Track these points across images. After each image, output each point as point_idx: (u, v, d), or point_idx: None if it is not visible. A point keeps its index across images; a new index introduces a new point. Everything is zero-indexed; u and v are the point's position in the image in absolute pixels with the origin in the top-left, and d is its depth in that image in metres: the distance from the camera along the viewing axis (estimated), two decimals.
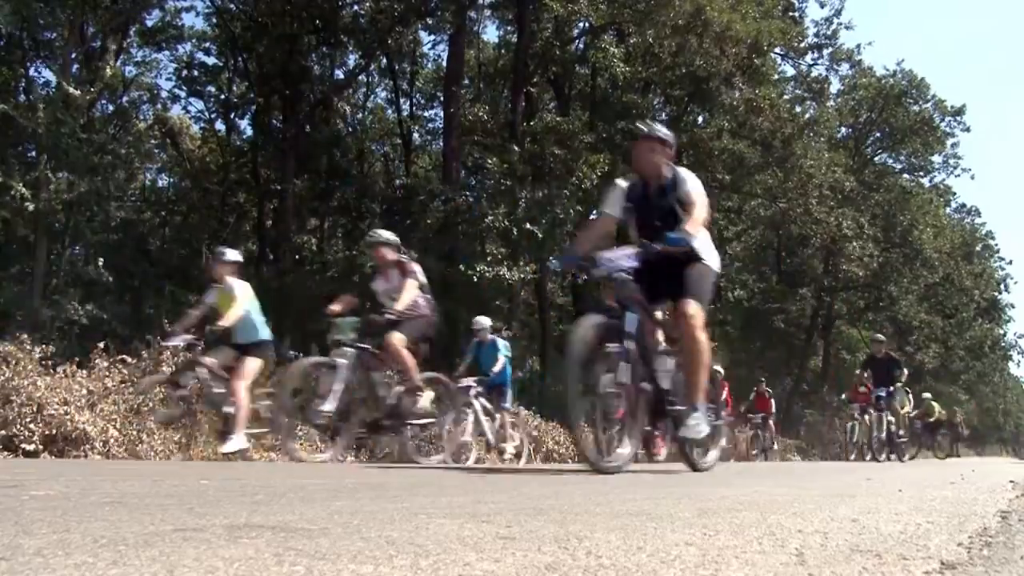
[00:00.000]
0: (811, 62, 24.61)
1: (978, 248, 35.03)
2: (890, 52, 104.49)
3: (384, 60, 20.76)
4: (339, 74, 20.06)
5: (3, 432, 5.28)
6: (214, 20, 19.54)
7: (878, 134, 28.45)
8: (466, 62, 18.87)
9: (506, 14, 19.75)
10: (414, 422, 5.91)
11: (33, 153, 14.31)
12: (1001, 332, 37.45)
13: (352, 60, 20.18)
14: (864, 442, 11.48)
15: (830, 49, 24.84)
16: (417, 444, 6.63)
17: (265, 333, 6.12)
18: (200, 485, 2.36)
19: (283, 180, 17.34)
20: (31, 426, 5.40)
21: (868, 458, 10.97)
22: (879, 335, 13.21)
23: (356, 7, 18.12)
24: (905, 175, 29.14)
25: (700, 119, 21.78)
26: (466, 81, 19.47)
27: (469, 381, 7.96)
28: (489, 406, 8.16)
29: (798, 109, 23.84)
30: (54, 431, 5.46)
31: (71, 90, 13.70)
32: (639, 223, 4.05)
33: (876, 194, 26.14)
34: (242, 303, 5.92)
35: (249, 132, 20.63)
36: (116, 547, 1.07)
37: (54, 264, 14.83)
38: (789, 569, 1.13)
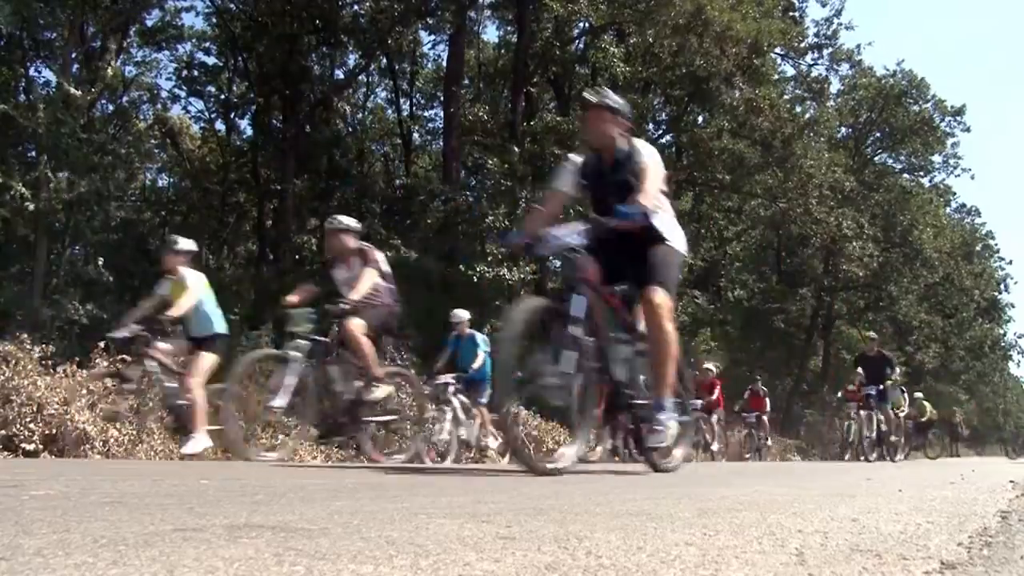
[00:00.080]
0: (811, 62, 24.66)
1: (978, 248, 35.05)
2: (890, 52, 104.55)
3: (384, 60, 20.77)
4: (339, 74, 20.09)
5: (3, 432, 5.28)
6: (214, 20, 19.57)
7: (878, 134, 28.46)
8: (466, 62, 18.88)
9: (506, 14, 19.76)
10: (374, 419, 5.56)
11: (33, 153, 14.32)
12: (1001, 332, 37.52)
13: (352, 60, 20.21)
14: (857, 441, 11.30)
15: (830, 49, 24.88)
16: (380, 442, 6.23)
17: (220, 326, 5.86)
18: (200, 485, 2.36)
19: (283, 180, 17.35)
20: (31, 426, 5.40)
21: (860, 458, 10.78)
22: (871, 332, 13.11)
23: (356, 7, 18.14)
24: (905, 175, 29.16)
25: (700, 119, 21.80)
26: (466, 81, 19.49)
27: (447, 377, 7.76)
28: (468, 403, 7.93)
29: (798, 109, 23.87)
30: (54, 431, 5.46)
31: (71, 90, 13.70)
32: (594, 200, 3.74)
33: (876, 194, 26.15)
34: (194, 293, 5.68)
35: (249, 132, 20.65)
36: (116, 547, 1.07)
37: (54, 264, 14.84)
38: (789, 569, 1.13)
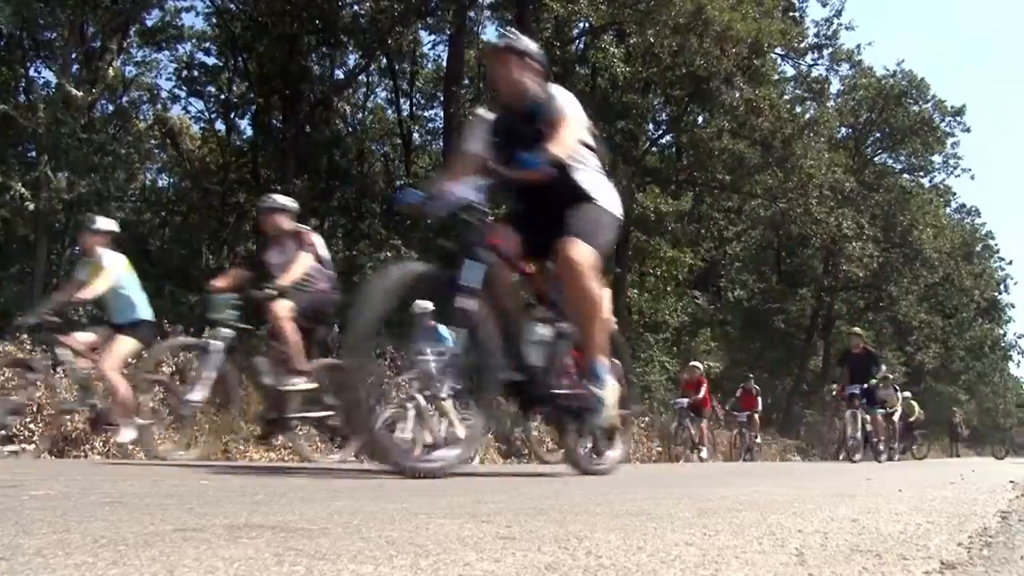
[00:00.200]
0: (811, 62, 24.63)
1: (978, 248, 35.08)
2: (890, 52, 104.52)
3: (384, 60, 20.78)
4: (339, 74, 20.12)
5: (3, 432, 5.28)
6: (214, 20, 19.60)
7: (878, 134, 28.46)
8: (466, 62, 18.87)
9: (506, 14, 19.74)
10: (306, 415, 5.09)
11: (33, 153, 14.34)
12: (1001, 332, 37.59)
13: (352, 60, 20.24)
14: (840, 441, 10.96)
15: (830, 49, 24.86)
16: (316, 440, 5.91)
17: (145, 312, 5.44)
18: (200, 485, 2.36)
19: (283, 180, 17.34)
20: (31, 426, 5.41)
21: (840, 457, 10.36)
22: (856, 328, 12.76)
23: (356, 7, 18.15)
24: (905, 175, 29.16)
25: (700, 119, 21.80)
26: (466, 81, 19.48)
27: (411, 373, 7.43)
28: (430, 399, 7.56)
29: (798, 109, 23.86)
30: (54, 431, 5.46)
31: (71, 90, 13.72)
32: (506, 160, 3.10)
33: (876, 194, 26.16)
34: (110, 276, 5.26)
35: (249, 132, 20.67)
36: (116, 547, 1.07)
37: (54, 264, 14.85)
38: (789, 569, 1.13)
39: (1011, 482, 4.05)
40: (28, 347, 5.92)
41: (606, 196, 3.31)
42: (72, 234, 15.00)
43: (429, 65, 23.01)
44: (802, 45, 22.94)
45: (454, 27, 17.50)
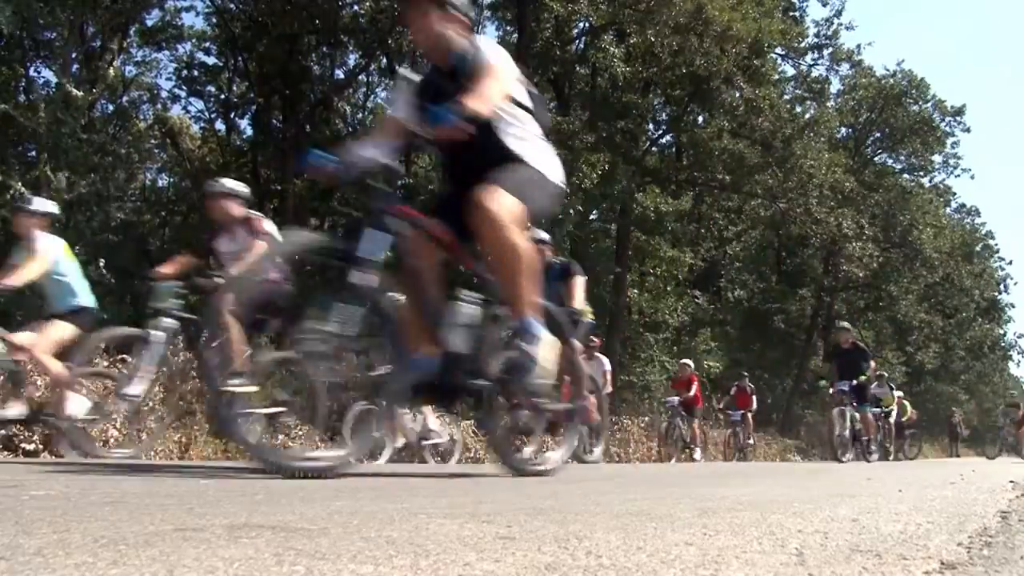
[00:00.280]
0: (811, 62, 24.67)
1: (978, 248, 35.10)
2: (890, 52, 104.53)
3: (384, 60, 20.77)
4: (339, 74, 20.11)
5: (3, 432, 5.28)
6: (214, 20, 19.59)
7: (878, 134, 28.48)
8: None
9: (506, 14, 19.76)
10: (253, 411, 4.63)
11: (33, 153, 14.34)
12: (1001, 332, 37.60)
13: (352, 60, 20.22)
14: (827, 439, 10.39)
15: (830, 49, 24.89)
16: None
17: (86, 300, 5.10)
18: (200, 485, 2.36)
19: (283, 180, 17.36)
20: (31, 426, 5.40)
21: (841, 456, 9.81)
22: (844, 323, 12.14)
23: (356, 7, 18.15)
24: (905, 175, 29.19)
25: (700, 119, 21.80)
26: None
27: (382, 370, 7.12)
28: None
29: (798, 109, 23.88)
30: (54, 430, 5.44)
31: (71, 90, 13.72)
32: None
33: (876, 194, 26.17)
34: (45, 261, 4.89)
35: (249, 132, 20.66)
36: (116, 547, 1.07)
37: None
38: (789, 569, 1.13)
39: (1011, 482, 4.05)
40: None
41: (541, 160, 2.96)
42: (72, 234, 15.01)
43: (429, 65, 23.01)
44: (802, 45, 22.97)
45: None
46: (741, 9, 17.54)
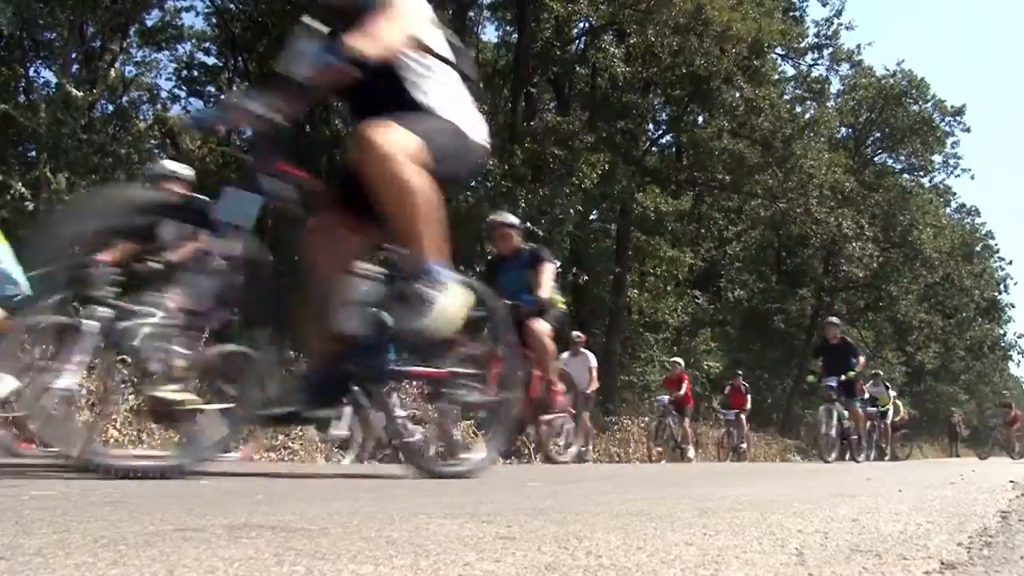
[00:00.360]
0: (811, 62, 24.70)
1: (978, 248, 35.12)
2: (890, 52, 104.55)
3: None
4: None
5: (3, 432, 5.27)
6: (214, 20, 19.59)
7: (878, 134, 28.50)
8: None
9: (506, 14, 19.77)
10: (200, 407, 4.39)
11: (33, 153, 14.34)
12: (1001, 332, 37.59)
13: None
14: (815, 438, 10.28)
15: (830, 49, 24.92)
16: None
17: (22, 287, 4.82)
18: (200, 485, 2.36)
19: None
20: (32, 426, 5.39)
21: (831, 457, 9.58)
22: (833, 317, 11.86)
23: None
24: (905, 175, 29.22)
25: (700, 119, 21.81)
26: None
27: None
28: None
29: (798, 109, 23.92)
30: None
31: (71, 90, 13.72)
32: None
33: (876, 194, 26.20)
34: None
35: (249, 132, 20.64)
36: (116, 547, 1.07)
37: None
38: (789, 569, 1.13)
39: (1011, 482, 4.05)
40: None
41: (456, 113, 2.61)
42: None
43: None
44: (802, 45, 23.00)
45: (454, 27, 17.49)
46: (741, 9, 17.56)
